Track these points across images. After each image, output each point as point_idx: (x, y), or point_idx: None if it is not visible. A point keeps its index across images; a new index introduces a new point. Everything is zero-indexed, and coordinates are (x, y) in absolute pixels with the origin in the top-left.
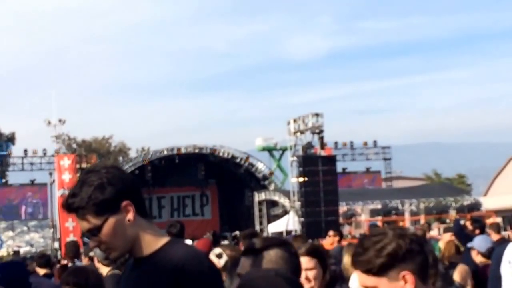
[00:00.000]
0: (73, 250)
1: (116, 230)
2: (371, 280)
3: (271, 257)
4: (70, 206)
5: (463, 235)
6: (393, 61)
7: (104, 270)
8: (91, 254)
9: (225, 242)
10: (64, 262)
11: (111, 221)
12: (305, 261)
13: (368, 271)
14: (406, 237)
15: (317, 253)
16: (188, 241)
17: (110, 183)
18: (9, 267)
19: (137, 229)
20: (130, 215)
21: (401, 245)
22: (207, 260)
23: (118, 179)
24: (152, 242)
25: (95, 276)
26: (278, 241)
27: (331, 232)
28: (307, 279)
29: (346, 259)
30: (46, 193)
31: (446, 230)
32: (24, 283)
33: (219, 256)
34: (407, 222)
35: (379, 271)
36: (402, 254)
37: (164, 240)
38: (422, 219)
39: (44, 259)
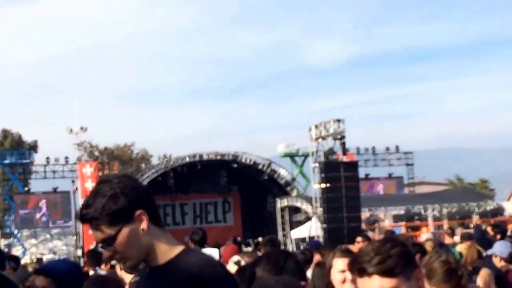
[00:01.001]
0: (94, 258)
1: (130, 240)
2: (391, 281)
3: None
4: (84, 217)
5: (485, 241)
6: (415, 66)
7: (127, 277)
8: (113, 262)
9: (249, 248)
10: (85, 269)
11: (125, 230)
12: (342, 263)
13: (388, 272)
14: (402, 241)
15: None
16: (214, 250)
17: (123, 193)
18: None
19: (151, 238)
20: (144, 224)
21: (407, 246)
22: (222, 268)
23: (131, 188)
24: (167, 250)
25: (115, 284)
26: None
27: (359, 238)
28: (344, 281)
29: None
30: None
31: (463, 236)
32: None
33: (237, 263)
34: (430, 227)
35: (401, 271)
36: (412, 255)
37: (179, 248)
38: (445, 224)
39: None
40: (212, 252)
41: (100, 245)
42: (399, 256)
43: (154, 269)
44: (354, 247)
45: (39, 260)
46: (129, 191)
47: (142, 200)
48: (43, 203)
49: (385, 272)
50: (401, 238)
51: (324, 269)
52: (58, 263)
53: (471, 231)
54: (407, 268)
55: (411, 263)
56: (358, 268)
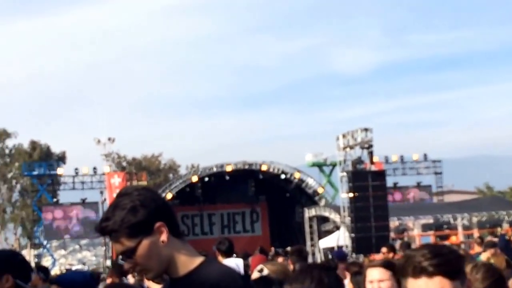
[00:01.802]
0: (120, 268)
1: (150, 252)
2: (452, 284)
3: None
4: (103, 229)
5: (509, 250)
6: (443, 74)
7: (155, 286)
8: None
9: (280, 259)
10: (110, 280)
11: (145, 243)
12: (379, 273)
13: (451, 274)
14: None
15: (392, 265)
16: (239, 260)
17: (142, 205)
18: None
19: (171, 249)
20: (164, 236)
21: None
22: (241, 279)
23: (150, 200)
24: (187, 262)
25: None
26: None
27: (384, 249)
28: None
29: None
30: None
31: (487, 244)
32: None
33: (260, 271)
34: (460, 236)
35: (460, 275)
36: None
37: (199, 260)
38: (475, 233)
39: (93, 277)
40: (237, 262)
41: (120, 257)
42: (458, 259)
43: (174, 280)
44: (379, 257)
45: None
46: (148, 203)
47: (162, 212)
48: (72, 214)
49: (448, 274)
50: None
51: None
52: (72, 274)
53: (490, 241)
54: (463, 274)
55: (464, 269)
56: (418, 268)
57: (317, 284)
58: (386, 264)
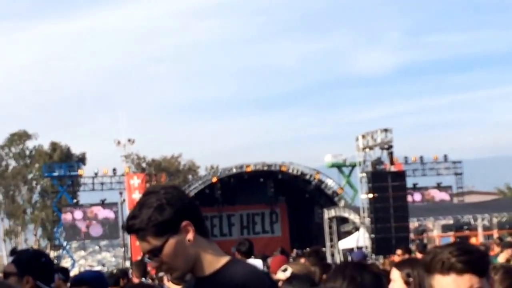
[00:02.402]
0: (140, 269)
1: (176, 251)
2: (480, 281)
3: None
4: (130, 228)
5: None
6: (463, 74)
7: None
8: (161, 273)
9: (302, 260)
10: (130, 281)
11: (171, 241)
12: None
13: (480, 271)
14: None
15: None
16: (258, 261)
17: (169, 203)
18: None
19: (197, 249)
20: (190, 235)
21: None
22: (268, 278)
23: (177, 199)
24: (213, 261)
25: None
26: None
27: (399, 251)
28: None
29: None
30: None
31: (504, 245)
32: None
33: (284, 270)
34: (480, 237)
35: (487, 271)
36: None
37: (225, 259)
38: (495, 233)
39: (113, 278)
40: (256, 263)
41: (146, 256)
42: (485, 257)
43: (200, 279)
44: (396, 258)
45: None
46: (175, 202)
47: (188, 211)
48: (92, 215)
49: (477, 271)
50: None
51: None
52: (86, 273)
53: (508, 241)
54: (489, 271)
55: (489, 267)
56: (447, 264)
57: (349, 282)
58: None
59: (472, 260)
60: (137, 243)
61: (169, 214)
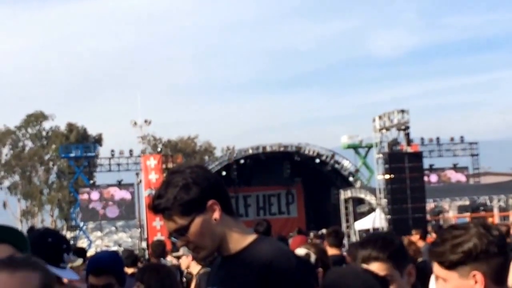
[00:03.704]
0: (159, 249)
1: (203, 230)
2: (442, 272)
3: None
4: (156, 207)
5: None
6: (480, 55)
7: (195, 269)
8: (179, 253)
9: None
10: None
11: (197, 220)
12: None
13: (441, 263)
14: (486, 237)
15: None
16: None
17: (195, 182)
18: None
19: (224, 227)
20: (216, 214)
21: (477, 245)
22: (295, 257)
23: (203, 178)
24: (240, 239)
25: (166, 272)
26: None
27: (415, 232)
28: None
29: None
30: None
31: None
32: (122, 273)
33: (306, 255)
34: (496, 218)
35: (450, 265)
36: (476, 254)
37: (252, 237)
38: (511, 215)
39: (131, 258)
40: None
41: (173, 235)
42: (461, 252)
43: (226, 258)
44: (414, 237)
45: None
46: (201, 181)
47: (214, 189)
48: (108, 196)
49: (439, 262)
50: (495, 233)
51: None
52: (104, 254)
53: None
54: (464, 267)
55: (473, 263)
56: (429, 249)
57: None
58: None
59: (435, 251)
60: (154, 224)
61: (195, 193)
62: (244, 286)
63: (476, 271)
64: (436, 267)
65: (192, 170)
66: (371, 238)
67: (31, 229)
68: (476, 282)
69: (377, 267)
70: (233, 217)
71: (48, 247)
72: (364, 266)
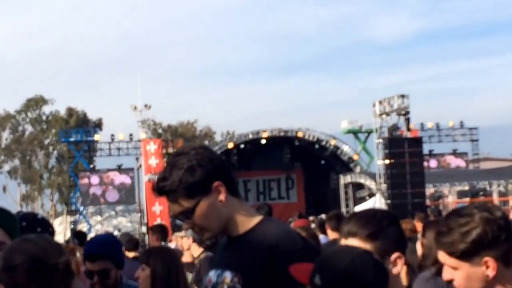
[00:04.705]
0: (159, 233)
1: (208, 212)
2: (452, 261)
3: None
4: (160, 189)
5: None
6: (481, 41)
7: (196, 252)
8: (181, 233)
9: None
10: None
11: (203, 203)
12: None
13: (451, 253)
14: (494, 223)
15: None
16: None
17: (199, 164)
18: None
19: (229, 209)
20: (222, 196)
21: (488, 232)
22: (301, 239)
23: (207, 160)
24: (246, 221)
25: (169, 254)
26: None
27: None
28: None
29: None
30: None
31: None
32: (119, 256)
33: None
34: (495, 203)
35: (461, 255)
36: (488, 241)
37: (258, 218)
38: (511, 200)
39: (132, 242)
40: None
41: (178, 217)
42: (472, 241)
43: (232, 239)
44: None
45: None
46: (206, 163)
47: (219, 171)
48: (108, 180)
49: (449, 253)
50: (500, 217)
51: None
52: (100, 237)
53: None
54: (476, 255)
55: (484, 250)
56: (435, 235)
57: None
58: None
59: (443, 242)
60: (153, 208)
61: (200, 175)
62: (250, 267)
63: (488, 257)
64: (444, 256)
65: (196, 152)
66: (358, 213)
67: (18, 214)
68: (487, 267)
69: (354, 244)
70: (238, 198)
71: (21, 231)
72: (343, 241)
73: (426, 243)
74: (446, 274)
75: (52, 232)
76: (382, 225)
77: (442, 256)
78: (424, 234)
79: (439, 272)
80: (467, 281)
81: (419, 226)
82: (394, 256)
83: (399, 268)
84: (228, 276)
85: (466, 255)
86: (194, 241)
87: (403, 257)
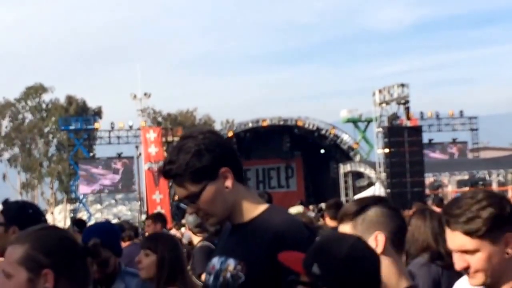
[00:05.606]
0: (159, 220)
1: (214, 197)
2: (472, 243)
3: (372, 217)
4: (167, 172)
5: None
6: (480, 30)
7: (195, 239)
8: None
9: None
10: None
11: (209, 188)
12: None
13: (471, 233)
14: (505, 200)
15: None
16: None
17: (207, 149)
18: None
19: (235, 195)
20: (229, 182)
21: (505, 207)
22: (306, 228)
23: (215, 145)
24: (251, 208)
25: (167, 240)
26: (374, 199)
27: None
28: None
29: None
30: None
31: None
32: (117, 243)
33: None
34: None
35: (484, 233)
36: (507, 216)
37: (263, 206)
38: (510, 189)
39: (133, 230)
40: None
41: (183, 201)
42: (489, 218)
43: (237, 226)
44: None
45: None
46: (213, 148)
47: (227, 157)
48: (108, 168)
49: (469, 233)
50: (498, 196)
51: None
52: (98, 225)
53: None
54: (496, 231)
55: (503, 226)
56: (445, 219)
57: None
58: None
59: (465, 221)
60: (153, 197)
61: (207, 160)
62: (254, 256)
63: (509, 232)
64: (462, 239)
65: (204, 136)
66: (355, 200)
67: (5, 201)
68: (508, 244)
69: (343, 228)
70: (245, 185)
71: (28, 218)
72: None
73: (409, 229)
74: (459, 262)
75: (44, 221)
76: (363, 205)
77: (459, 239)
78: (409, 223)
79: (432, 259)
80: (488, 262)
81: None
82: (373, 235)
83: (380, 248)
84: (231, 263)
85: (489, 231)
86: (189, 229)
87: (383, 236)
